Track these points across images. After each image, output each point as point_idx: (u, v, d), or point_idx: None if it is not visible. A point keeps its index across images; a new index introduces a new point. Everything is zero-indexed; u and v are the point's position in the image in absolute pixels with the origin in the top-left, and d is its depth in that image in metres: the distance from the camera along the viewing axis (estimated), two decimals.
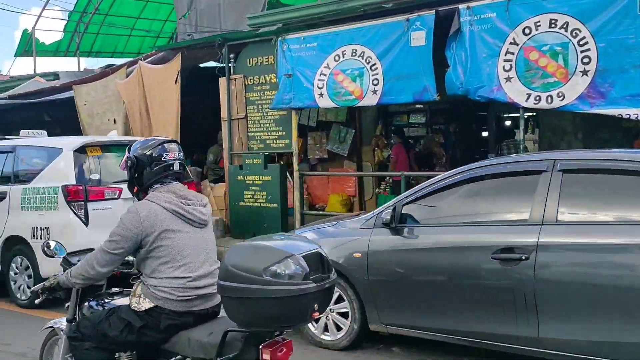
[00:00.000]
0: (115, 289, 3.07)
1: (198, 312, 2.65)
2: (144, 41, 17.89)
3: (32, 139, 6.81)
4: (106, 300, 2.94)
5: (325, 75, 7.22)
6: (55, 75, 13.79)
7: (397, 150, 9.76)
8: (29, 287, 5.75)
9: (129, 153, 2.82)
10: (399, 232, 4.06)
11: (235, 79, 8.36)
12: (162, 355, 2.68)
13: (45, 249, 3.22)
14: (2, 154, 6.40)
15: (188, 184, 3.25)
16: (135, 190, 2.84)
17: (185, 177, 4.52)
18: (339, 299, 4.36)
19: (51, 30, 25.63)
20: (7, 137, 6.81)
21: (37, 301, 3.02)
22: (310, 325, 4.49)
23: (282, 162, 8.63)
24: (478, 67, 6.08)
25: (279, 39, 7.63)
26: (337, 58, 7.15)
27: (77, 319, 2.93)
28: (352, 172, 9.78)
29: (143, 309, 2.63)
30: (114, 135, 6.47)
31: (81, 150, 5.82)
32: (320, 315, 2.51)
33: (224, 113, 8.53)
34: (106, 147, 6.07)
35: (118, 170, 6.03)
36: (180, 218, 2.69)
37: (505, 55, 5.93)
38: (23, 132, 6.95)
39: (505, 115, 11.28)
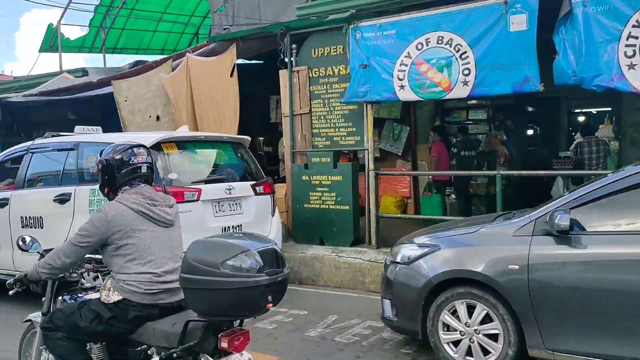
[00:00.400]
0: (88, 285, 3.24)
1: (163, 305, 2.86)
2: (169, 37, 17.31)
3: (98, 135, 6.19)
4: (79, 295, 3.11)
5: (406, 65, 6.60)
6: (84, 72, 13.22)
7: (438, 149, 9.23)
8: None
9: (100, 157, 3.03)
10: (568, 241, 3.45)
11: (298, 71, 7.74)
12: (130, 345, 2.87)
13: (20, 243, 3.36)
14: (62, 152, 5.80)
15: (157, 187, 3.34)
16: (105, 192, 3.05)
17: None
18: (487, 319, 3.75)
19: (76, 24, 24.94)
20: (60, 133, 6.19)
21: (10, 292, 3.11)
22: (447, 347, 3.88)
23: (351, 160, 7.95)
24: (594, 54, 5.47)
25: (351, 27, 7.02)
26: (419, 46, 6.54)
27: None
28: (430, 172, 9.26)
29: (112, 301, 2.83)
30: (185, 131, 5.85)
31: (156, 147, 5.21)
32: (274, 307, 2.56)
33: (285, 108, 7.90)
34: (181, 144, 5.46)
35: (195, 169, 5.49)
36: (146, 218, 2.91)
37: (627, 39, 5.32)
38: (77, 128, 6.33)
39: (578, 111, 10.67)
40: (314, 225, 7.38)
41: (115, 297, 2.83)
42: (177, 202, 4.97)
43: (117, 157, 2.96)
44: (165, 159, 5.23)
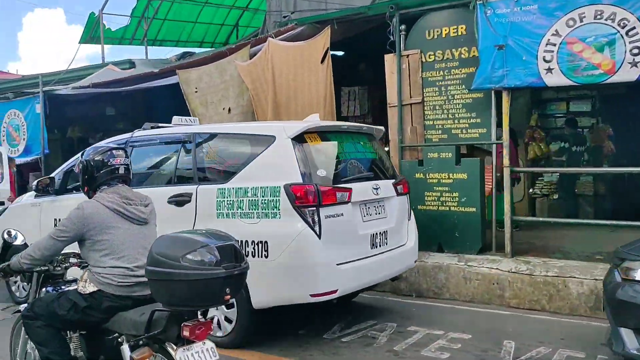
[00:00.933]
0: (71, 278, 3.42)
1: (136, 297, 3.07)
2: (209, 29, 16.47)
3: (225, 125, 5.29)
4: (62, 287, 3.31)
5: (554, 45, 5.70)
6: (131, 63, 12.37)
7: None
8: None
9: (81, 157, 3.29)
10: None
11: (408, 56, 6.84)
12: (104, 334, 3.07)
13: (6, 235, 3.65)
14: (173, 145, 4.93)
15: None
16: (85, 190, 3.27)
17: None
18: None
19: (118, 14, 24.12)
20: (159, 125, 5.31)
21: None
22: None
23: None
24: None
25: (479, 2, 6.12)
26: (571, 22, 5.64)
27: None
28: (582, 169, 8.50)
29: (88, 292, 3.06)
30: (317, 120, 4.95)
31: (299, 139, 4.31)
32: (232, 299, 2.74)
33: (392, 97, 6.99)
34: (324, 135, 4.55)
35: (338, 165, 4.59)
36: (121, 216, 3.12)
37: None
38: (175, 118, 5.44)
39: None
40: (431, 229, 6.47)
41: (90, 288, 3.06)
42: (328, 205, 4.19)
43: (97, 158, 3.20)
44: (308, 152, 4.33)
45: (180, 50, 14.95)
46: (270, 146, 4.31)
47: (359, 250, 4.47)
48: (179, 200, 4.58)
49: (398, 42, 6.85)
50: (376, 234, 4.64)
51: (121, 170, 3.20)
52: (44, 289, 3.35)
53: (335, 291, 4.18)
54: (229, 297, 2.66)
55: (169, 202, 4.62)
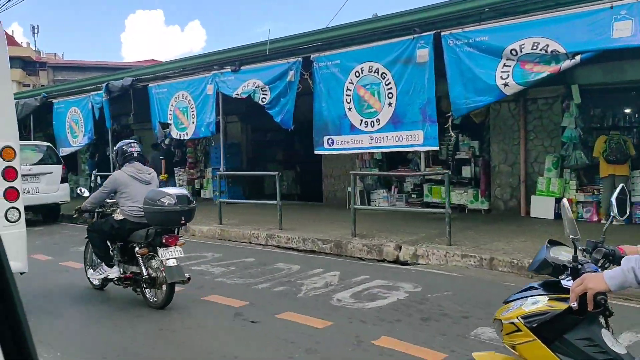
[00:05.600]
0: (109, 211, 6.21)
1: (143, 223, 5.55)
2: None
3: None
4: (107, 217, 6.04)
5: None
6: None
7: None
8: None
9: (114, 147, 6.39)
10: None
11: None
12: (127, 244, 5.79)
13: (79, 191, 6.74)
14: None
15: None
16: (118, 166, 6.10)
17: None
18: None
19: None
20: None
21: (75, 217, 6.61)
22: None
23: None
24: None
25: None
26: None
27: None
28: None
29: (118, 219, 5.80)
30: None
31: None
32: (187, 223, 5.58)
33: None
34: None
35: None
36: (135, 179, 5.82)
37: None
38: None
39: None
40: None
41: (119, 217, 5.80)
42: None
43: (123, 147, 5.98)
44: None
45: None
46: None
47: None
48: None
49: None
50: None
51: (135, 155, 5.94)
52: (98, 219, 6.17)
53: None
54: (184, 221, 5.45)
55: None
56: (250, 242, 9.47)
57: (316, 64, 9.45)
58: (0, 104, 5.01)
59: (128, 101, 13.48)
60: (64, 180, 12.94)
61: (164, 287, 5.32)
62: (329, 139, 9.44)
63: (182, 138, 12.34)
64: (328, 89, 9.34)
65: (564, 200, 2.19)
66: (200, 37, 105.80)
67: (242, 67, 10.61)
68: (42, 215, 13.16)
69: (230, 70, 10.76)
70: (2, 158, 5.07)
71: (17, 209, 5.16)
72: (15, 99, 15.93)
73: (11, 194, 5.12)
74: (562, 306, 1.86)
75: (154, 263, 5.43)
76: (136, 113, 13.63)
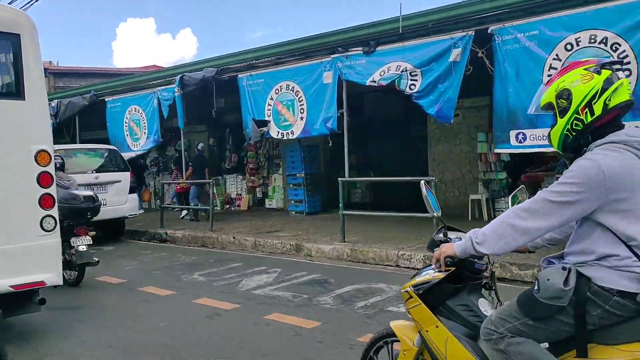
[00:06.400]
0: None
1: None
2: None
3: None
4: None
5: None
6: None
7: None
8: None
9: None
10: None
11: None
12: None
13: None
14: None
15: None
16: None
17: None
18: None
19: None
20: None
21: None
22: None
23: None
24: None
25: None
26: None
27: None
28: None
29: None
30: None
31: None
32: (92, 218, 7.15)
33: None
34: None
35: None
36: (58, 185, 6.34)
37: None
38: None
39: None
40: None
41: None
42: None
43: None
44: None
45: None
46: None
47: None
48: None
49: None
50: None
51: (57, 165, 7.01)
52: None
53: None
54: (89, 215, 6.99)
55: None
56: (398, 266, 7.58)
57: (498, 37, 7.42)
58: (34, 105, 4.71)
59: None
60: (132, 190, 10.93)
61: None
62: (518, 133, 7.39)
63: (285, 137, 10.21)
64: (517, 69, 7.31)
65: (422, 181, 2.68)
66: (192, 45, 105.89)
67: (378, 48, 8.56)
68: (101, 231, 11.04)
69: (362, 52, 8.69)
70: (37, 163, 4.69)
71: (53, 217, 4.83)
72: (58, 98, 14.53)
73: (47, 201, 4.79)
74: (441, 276, 2.37)
75: (69, 250, 6.73)
76: (187, 114, 11.76)
